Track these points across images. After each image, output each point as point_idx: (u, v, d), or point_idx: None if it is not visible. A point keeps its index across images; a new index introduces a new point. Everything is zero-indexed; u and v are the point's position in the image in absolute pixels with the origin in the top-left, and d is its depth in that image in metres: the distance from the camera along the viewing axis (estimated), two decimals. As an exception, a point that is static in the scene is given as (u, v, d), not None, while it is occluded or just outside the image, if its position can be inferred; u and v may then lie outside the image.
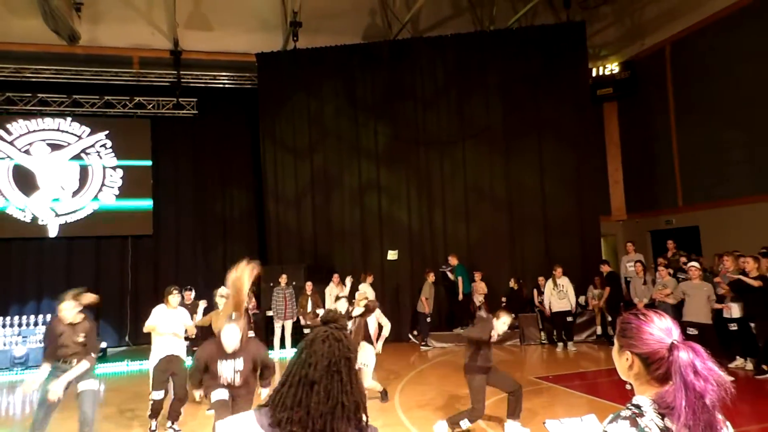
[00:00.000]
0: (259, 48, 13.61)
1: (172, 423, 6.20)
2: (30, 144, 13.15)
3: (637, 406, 1.47)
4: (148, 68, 13.93)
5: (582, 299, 12.09)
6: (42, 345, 7.61)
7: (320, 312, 10.91)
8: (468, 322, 12.00)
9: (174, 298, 6.47)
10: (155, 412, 6.29)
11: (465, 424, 5.71)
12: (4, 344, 10.86)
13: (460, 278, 12.24)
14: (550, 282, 11.49)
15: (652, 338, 1.49)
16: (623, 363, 1.55)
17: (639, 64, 14.93)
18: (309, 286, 11.46)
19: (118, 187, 13.58)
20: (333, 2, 13.70)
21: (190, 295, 9.22)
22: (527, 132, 13.41)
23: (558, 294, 11.35)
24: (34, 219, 13.00)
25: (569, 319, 11.43)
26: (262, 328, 11.88)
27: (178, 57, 13.80)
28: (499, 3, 14.65)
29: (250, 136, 14.28)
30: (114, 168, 13.61)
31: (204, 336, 9.14)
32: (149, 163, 13.75)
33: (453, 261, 12.47)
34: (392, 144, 13.55)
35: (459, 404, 6.89)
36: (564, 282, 11.39)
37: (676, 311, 8.56)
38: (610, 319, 11.36)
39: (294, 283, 11.83)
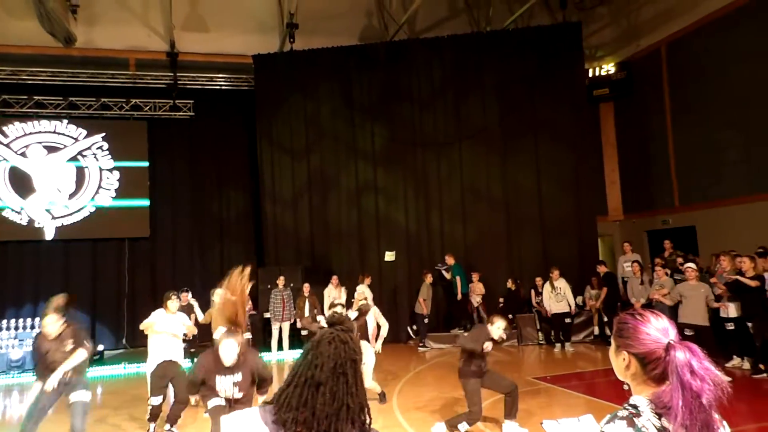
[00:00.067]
0: (256, 49, 13.60)
1: (171, 426, 6.19)
2: (26, 146, 13.12)
3: (634, 406, 1.47)
4: (145, 70, 13.91)
5: (579, 300, 12.11)
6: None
7: (319, 316, 10.90)
8: (466, 323, 12.02)
9: (173, 303, 6.48)
10: (154, 417, 6.29)
11: (463, 427, 5.72)
12: (1, 347, 10.83)
13: (458, 277, 12.25)
14: (547, 285, 11.50)
15: (649, 338, 1.49)
16: (620, 363, 1.55)
17: (635, 65, 14.96)
18: (306, 287, 11.45)
19: (115, 190, 13.55)
20: (329, 4, 13.69)
21: (187, 296, 9.22)
22: (524, 132, 13.43)
23: (556, 296, 11.35)
24: (31, 221, 12.96)
25: (567, 320, 11.44)
26: (260, 330, 11.87)
27: (174, 59, 13.78)
28: (496, 4, 14.67)
29: (247, 138, 14.26)
30: (111, 170, 13.58)
31: (201, 338, 9.16)
32: (146, 164, 13.72)
33: (450, 260, 12.48)
34: (389, 145, 13.55)
35: (457, 406, 6.89)
36: (561, 284, 11.39)
37: (672, 312, 8.57)
38: (606, 319, 11.38)
39: (292, 284, 11.81)
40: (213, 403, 4.62)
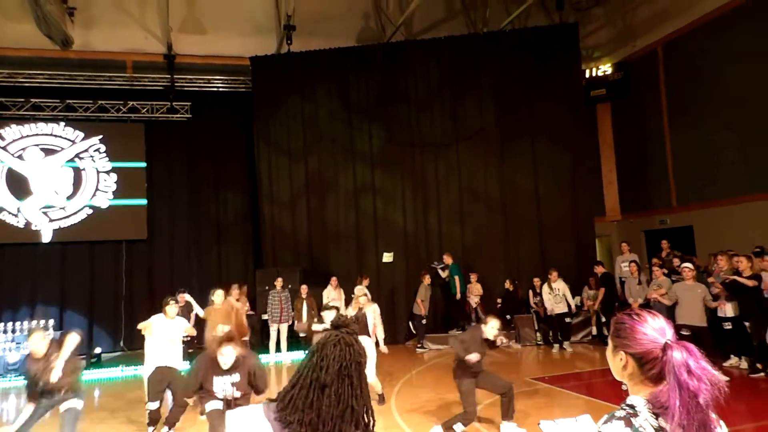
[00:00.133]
0: (253, 51, 13.60)
1: (170, 429, 6.19)
2: (23, 149, 13.09)
3: (632, 406, 1.47)
4: (142, 72, 13.90)
5: (577, 300, 12.12)
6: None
7: (315, 319, 10.89)
8: (464, 324, 12.01)
9: (171, 308, 6.47)
10: (153, 421, 6.29)
11: (459, 427, 5.72)
12: (-2, 351, 10.80)
13: (456, 277, 12.26)
14: (545, 286, 11.51)
15: (646, 338, 1.50)
16: (617, 363, 1.56)
17: (631, 65, 14.99)
18: (304, 289, 11.44)
19: (113, 192, 13.53)
20: (327, 5, 13.70)
21: (184, 297, 9.20)
22: (521, 133, 13.45)
23: (554, 298, 11.37)
24: (28, 224, 12.93)
25: (567, 319, 11.46)
26: (258, 332, 11.86)
27: (171, 61, 13.77)
28: (492, 5, 14.69)
29: (245, 140, 14.24)
30: (108, 172, 13.56)
31: (200, 339, 9.15)
32: (143, 164, 13.70)
33: (448, 260, 12.49)
34: (387, 146, 13.56)
35: (455, 407, 6.87)
36: (560, 285, 11.41)
37: (669, 312, 8.58)
38: (604, 319, 11.39)
39: (290, 286, 11.80)
40: (211, 406, 4.63)
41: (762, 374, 8.01)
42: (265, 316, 11.70)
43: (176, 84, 13.91)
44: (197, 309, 8.87)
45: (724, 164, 12.39)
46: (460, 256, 12.80)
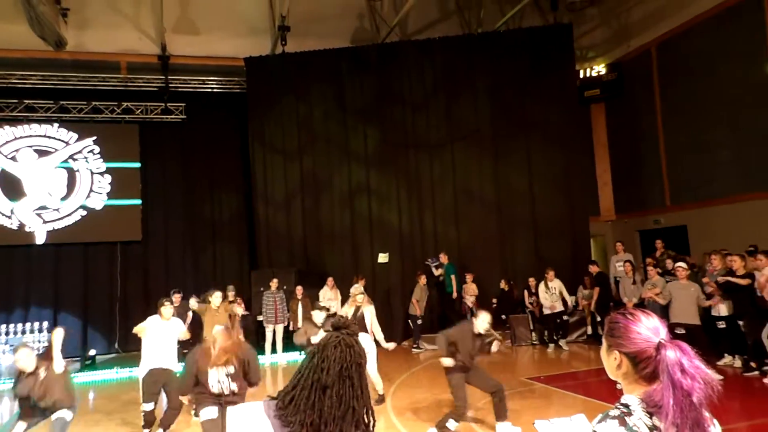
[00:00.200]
0: (248, 52, 13.58)
1: (164, 431, 6.17)
2: (17, 150, 13.02)
3: (626, 405, 1.48)
4: (136, 73, 13.85)
5: (572, 300, 12.15)
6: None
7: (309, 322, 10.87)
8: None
9: (166, 309, 6.46)
10: (148, 423, 6.28)
11: (452, 425, 5.72)
12: (-8, 353, 10.75)
13: (453, 276, 12.28)
14: (542, 285, 11.53)
15: (640, 337, 1.50)
16: (611, 362, 1.56)
17: (625, 66, 15.05)
18: (299, 290, 11.43)
19: (107, 193, 13.48)
20: (321, 6, 13.69)
21: (179, 297, 9.18)
22: (516, 134, 13.48)
23: (551, 297, 11.39)
24: (21, 226, 12.87)
25: (565, 317, 11.50)
26: (253, 333, 11.84)
27: (165, 62, 13.73)
28: (487, 6, 14.71)
29: (239, 140, 14.22)
30: (102, 173, 13.51)
31: (195, 340, 9.12)
32: (137, 165, 13.66)
33: (444, 259, 12.51)
34: (381, 147, 13.56)
35: (450, 407, 6.88)
36: (556, 284, 11.44)
37: (664, 311, 8.61)
38: (599, 319, 11.42)
39: (285, 287, 11.78)
40: (205, 415, 4.61)
41: (756, 373, 8.05)
42: (260, 318, 11.69)
43: (170, 85, 13.87)
44: (193, 304, 8.83)
45: (717, 164, 12.45)
46: (455, 257, 12.81)
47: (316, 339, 6.66)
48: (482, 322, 5.90)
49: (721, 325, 8.74)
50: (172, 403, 6.20)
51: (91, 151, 13.48)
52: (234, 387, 4.66)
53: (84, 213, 13.28)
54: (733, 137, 12.09)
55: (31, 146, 13.13)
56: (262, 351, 11.27)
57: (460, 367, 5.84)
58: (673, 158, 13.69)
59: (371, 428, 1.58)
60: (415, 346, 11.92)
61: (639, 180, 14.75)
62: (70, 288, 13.10)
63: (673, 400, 1.37)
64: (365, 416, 1.57)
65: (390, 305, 12.91)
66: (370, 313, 7.77)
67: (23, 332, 11.20)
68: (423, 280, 12.17)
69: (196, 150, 14.14)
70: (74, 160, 13.37)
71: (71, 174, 13.32)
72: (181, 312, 9.03)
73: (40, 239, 12.96)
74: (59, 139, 13.32)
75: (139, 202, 13.59)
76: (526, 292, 12.10)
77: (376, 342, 7.63)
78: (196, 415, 5.65)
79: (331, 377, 1.53)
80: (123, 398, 8.52)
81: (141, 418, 6.33)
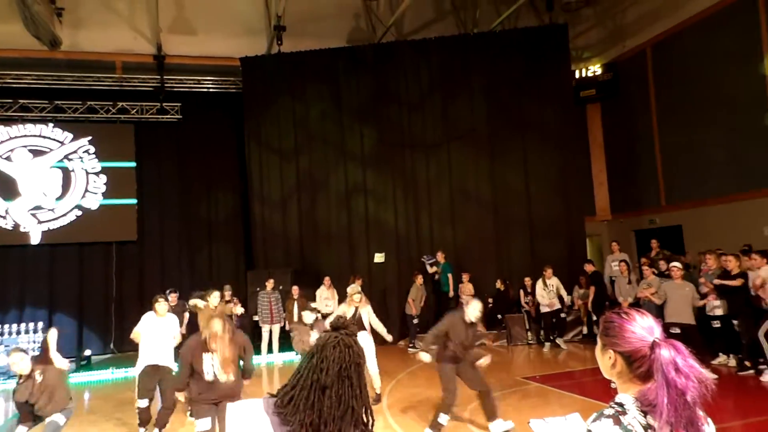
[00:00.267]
0: (244, 52, 13.56)
1: (159, 431, 6.16)
2: (11, 150, 12.98)
3: (620, 405, 1.49)
4: (131, 73, 13.82)
5: (569, 299, 12.18)
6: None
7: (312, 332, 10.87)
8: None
9: (160, 306, 6.46)
10: (144, 421, 6.27)
11: (444, 419, 5.71)
12: (-14, 354, 10.70)
13: (450, 275, 12.28)
14: (540, 282, 11.55)
15: (635, 336, 1.51)
16: (606, 361, 1.57)
17: (621, 66, 15.09)
18: (295, 290, 11.40)
19: (102, 193, 13.45)
20: (317, 6, 13.69)
21: (175, 297, 9.17)
22: (512, 134, 13.50)
23: (548, 294, 11.42)
24: (16, 226, 12.82)
25: (562, 315, 11.53)
26: (249, 333, 11.81)
27: (161, 61, 13.70)
28: (483, 6, 14.73)
29: (235, 140, 14.18)
30: (97, 173, 13.47)
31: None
32: (133, 164, 13.63)
33: (441, 258, 12.52)
34: (378, 147, 13.56)
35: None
36: (554, 282, 11.47)
37: (659, 311, 8.64)
38: (595, 318, 11.45)
39: (281, 287, 11.77)
40: (200, 426, 4.62)
41: (751, 372, 8.08)
42: (256, 318, 11.68)
43: (166, 85, 13.84)
44: (192, 301, 8.81)
45: (712, 164, 12.49)
46: (451, 256, 12.82)
47: (312, 339, 6.66)
48: (473, 309, 5.89)
49: (716, 324, 8.78)
50: (165, 402, 6.20)
51: (86, 151, 13.44)
52: (230, 374, 4.63)
53: (79, 213, 13.25)
54: (727, 137, 12.13)
55: (25, 146, 13.08)
56: (258, 351, 11.24)
57: (451, 358, 5.81)
58: (668, 158, 13.74)
59: (370, 427, 1.59)
60: (411, 345, 11.92)
61: (634, 180, 14.80)
62: (66, 288, 13.07)
63: (668, 399, 1.38)
64: (364, 416, 1.59)
65: (386, 305, 12.91)
66: (367, 313, 7.78)
67: (18, 333, 11.16)
68: (420, 279, 12.18)
69: (192, 150, 14.11)
70: (69, 159, 13.33)
71: (66, 174, 13.29)
72: (177, 312, 9.01)
73: (35, 239, 12.92)
74: (54, 139, 13.28)
75: (134, 202, 13.56)
76: (521, 292, 12.13)
77: (375, 335, 7.66)
78: (191, 415, 5.64)
79: (330, 377, 1.54)
80: (118, 398, 8.49)
81: (137, 417, 6.31)
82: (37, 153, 13.14)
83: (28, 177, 13.04)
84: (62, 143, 13.31)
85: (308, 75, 13.55)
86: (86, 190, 13.36)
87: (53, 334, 5.48)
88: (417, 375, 9.51)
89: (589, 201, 15.51)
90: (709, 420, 1.51)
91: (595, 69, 15.42)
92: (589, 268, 11.71)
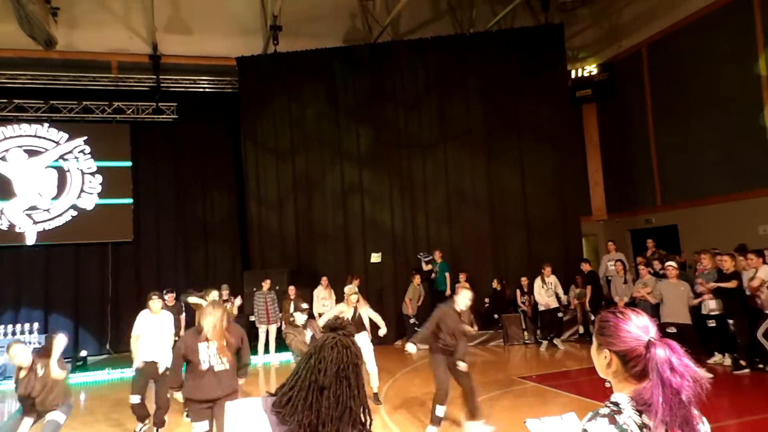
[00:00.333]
0: (240, 52, 13.54)
1: (157, 430, 6.17)
2: (6, 150, 12.93)
3: (616, 404, 1.49)
4: (127, 73, 13.78)
5: (565, 298, 12.21)
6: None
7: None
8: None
9: (154, 303, 6.47)
10: (141, 418, 6.30)
11: (440, 411, 5.72)
12: (-18, 354, 10.65)
13: (447, 274, 12.29)
14: (538, 280, 11.56)
15: (630, 336, 1.51)
16: (601, 361, 1.57)
17: (617, 66, 15.12)
18: (292, 290, 11.39)
19: (98, 193, 13.41)
20: (313, 6, 13.68)
21: (172, 297, 9.17)
22: (508, 134, 13.51)
23: (546, 292, 11.44)
24: (11, 226, 12.77)
25: (559, 314, 11.55)
26: (246, 334, 11.79)
27: (157, 61, 13.66)
28: (479, 6, 14.75)
29: (231, 140, 14.17)
30: (93, 174, 13.44)
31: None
32: (129, 164, 13.59)
33: (438, 257, 12.53)
34: (374, 146, 13.56)
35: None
36: (552, 280, 11.50)
37: (655, 311, 8.67)
38: (592, 317, 11.47)
39: (277, 287, 11.76)
40: (198, 429, 4.60)
41: (745, 371, 8.12)
42: (252, 318, 11.67)
43: (162, 84, 13.81)
44: (196, 300, 8.82)
45: (708, 164, 12.53)
46: (448, 256, 12.83)
47: (307, 338, 6.66)
48: (463, 298, 5.92)
49: (711, 323, 8.81)
50: (159, 401, 6.21)
51: (82, 151, 13.41)
52: (225, 362, 4.60)
53: (75, 213, 13.21)
54: (723, 137, 12.16)
55: (21, 146, 13.04)
56: (254, 351, 11.24)
57: (442, 349, 5.83)
58: (663, 158, 13.77)
59: (368, 427, 1.60)
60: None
61: (630, 179, 14.83)
62: (61, 289, 13.02)
63: (663, 398, 1.39)
64: (362, 416, 1.59)
65: (383, 305, 12.86)
66: (366, 313, 7.79)
67: (14, 333, 11.12)
68: (417, 279, 12.19)
69: (188, 150, 14.09)
70: (65, 159, 13.29)
71: (62, 174, 13.25)
72: (174, 312, 9.00)
73: (30, 240, 12.88)
74: (49, 139, 13.24)
75: (130, 202, 13.53)
76: (518, 292, 12.15)
77: (373, 334, 7.69)
78: (188, 416, 5.63)
79: (328, 378, 1.55)
80: (114, 399, 8.47)
81: (133, 418, 6.31)
82: (32, 153, 13.09)
83: (24, 177, 12.99)
84: (58, 143, 13.27)
85: (304, 75, 13.54)
86: (82, 190, 13.32)
87: (60, 341, 5.18)
88: (413, 375, 9.52)
89: (585, 201, 15.54)
90: (704, 419, 1.51)
91: (590, 69, 15.45)
92: (585, 267, 11.73)
